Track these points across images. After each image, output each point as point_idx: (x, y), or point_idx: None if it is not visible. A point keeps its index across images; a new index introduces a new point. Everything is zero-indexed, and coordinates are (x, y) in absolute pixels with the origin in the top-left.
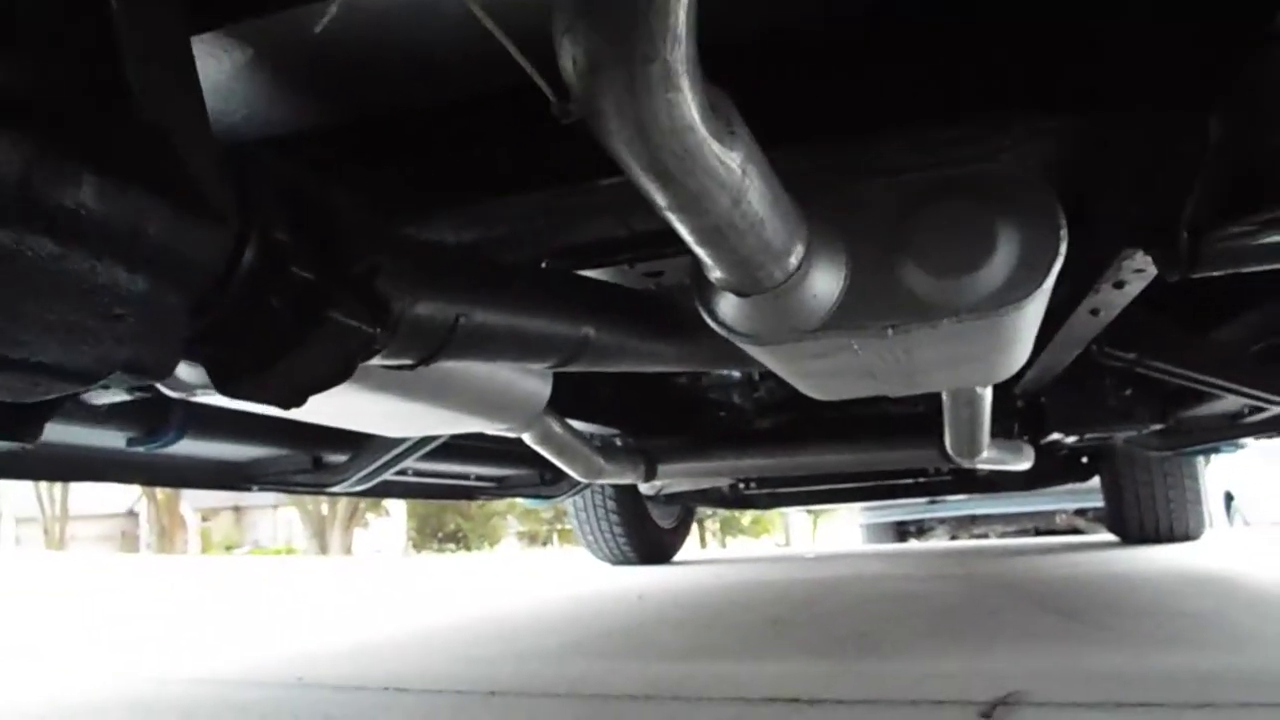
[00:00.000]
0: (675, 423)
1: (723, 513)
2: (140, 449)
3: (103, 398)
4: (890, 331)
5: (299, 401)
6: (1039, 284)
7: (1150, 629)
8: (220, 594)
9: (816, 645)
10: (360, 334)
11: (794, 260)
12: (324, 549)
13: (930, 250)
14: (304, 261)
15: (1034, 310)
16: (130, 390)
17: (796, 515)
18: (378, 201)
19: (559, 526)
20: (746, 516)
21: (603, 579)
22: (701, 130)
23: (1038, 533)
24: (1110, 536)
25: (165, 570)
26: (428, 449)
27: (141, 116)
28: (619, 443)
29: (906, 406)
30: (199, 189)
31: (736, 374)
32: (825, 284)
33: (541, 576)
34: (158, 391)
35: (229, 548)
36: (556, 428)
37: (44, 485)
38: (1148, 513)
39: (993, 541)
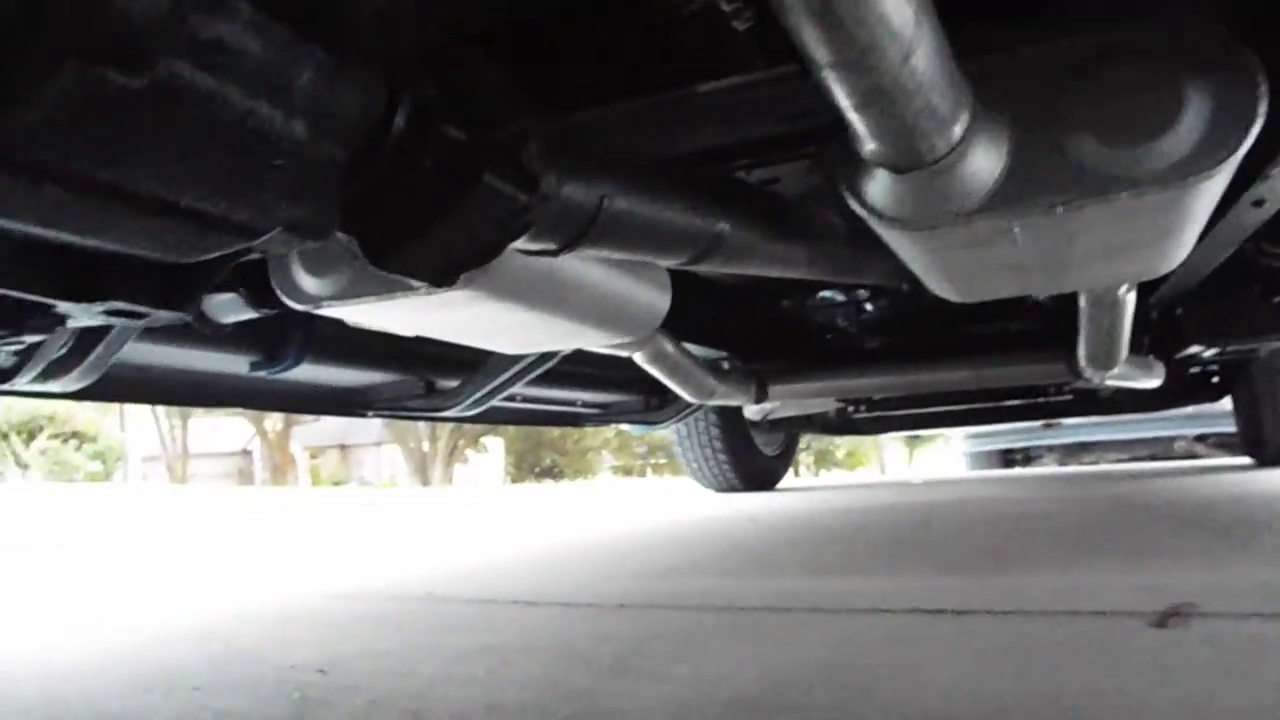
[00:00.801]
0: (782, 345)
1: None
2: (262, 374)
3: (228, 315)
4: (1060, 210)
5: (450, 278)
6: (1233, 150)
7: None
8: (341, 523)
9: (946, 562)
10: (513, 202)
11: (958, 130)
12: (426, 484)
13: (1106, 116)
14: (455, 122)
15: (1218, 185)
16: (256, 307)
17: (891, 447)
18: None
19: (653, 460)
20: (841, 450)
21: (709, 504)
22: None
23: (1153, 460)
24: (1239, 460)
25: (286, 503)
26: (537, 373)
27: None
28: (726, 365)
29: (1025, 321)
30: (355, 38)
31: (841, 296)
32: (986, 159)
33: (646, 503)
34: (281, 312)
35: (336, 483)
36: (669, 347)
37: (165, 425)
38: None
39: (1110, 467)
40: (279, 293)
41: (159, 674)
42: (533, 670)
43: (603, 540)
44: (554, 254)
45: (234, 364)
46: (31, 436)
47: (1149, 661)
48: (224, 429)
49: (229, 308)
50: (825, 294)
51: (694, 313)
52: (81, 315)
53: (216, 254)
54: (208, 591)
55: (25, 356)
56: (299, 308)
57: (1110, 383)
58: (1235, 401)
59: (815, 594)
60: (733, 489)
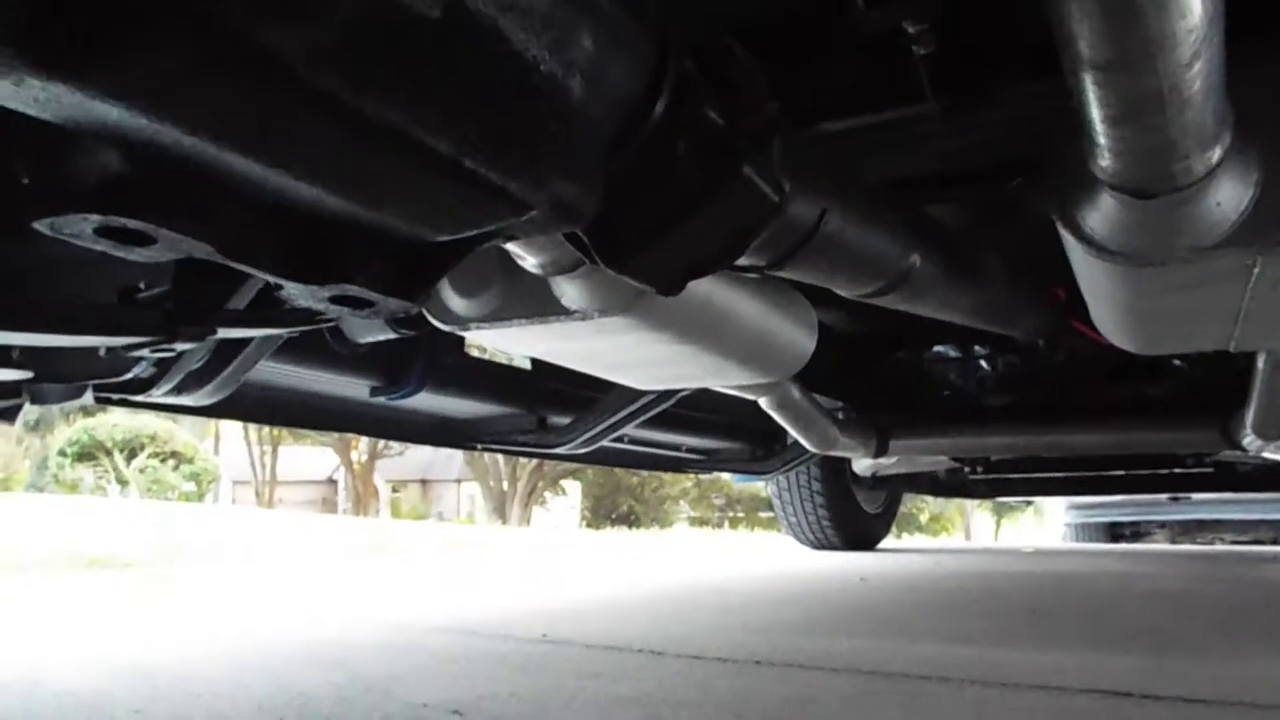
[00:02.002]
0: (897, 399)
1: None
2: (382, 399)
3: (366, 335)
4: None
5: (679, 285)
6: None
7: None
8: (434, 558)
9: (1100, 638)
10: (764, 201)
11: (1217, 153)
12: (504, 522)
13: None
14: (717, 108)
15: None
16: (396, 328)
17: (977, 514)
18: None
19: (731, 514)
20: (924, 514)
21: (809, 561)
22: None
23: (1275, 543)
24: None
25: (373, 533)
26: (652, 413)
27: None
28: (841, 415)
29: (1164, 385)
30: (633, 7)
31: (956, 352)
32: (1233, 190)
33: (739, 555)
34: (409, 337)
35: (416, 517)
36: (797, 393)
37: (256, 451)
38: None
39: (1232, 548)
40: (426, 312)
41: (288, 701)
42: None
43: (709, 590)
44: (760, 270)
45: (354, 388)
46: (133, 454)
47: None
48: (311, 458)
49: (368, 327)
50: (940, 349)
51: (815, 359)
52: (307, 298)
53: (476, 231)
54: (318, 618)
55: (163, 367)
56: (445, 328)
57: (1266, 455)
58: None
59: (968, 664)
60: (831, 547)
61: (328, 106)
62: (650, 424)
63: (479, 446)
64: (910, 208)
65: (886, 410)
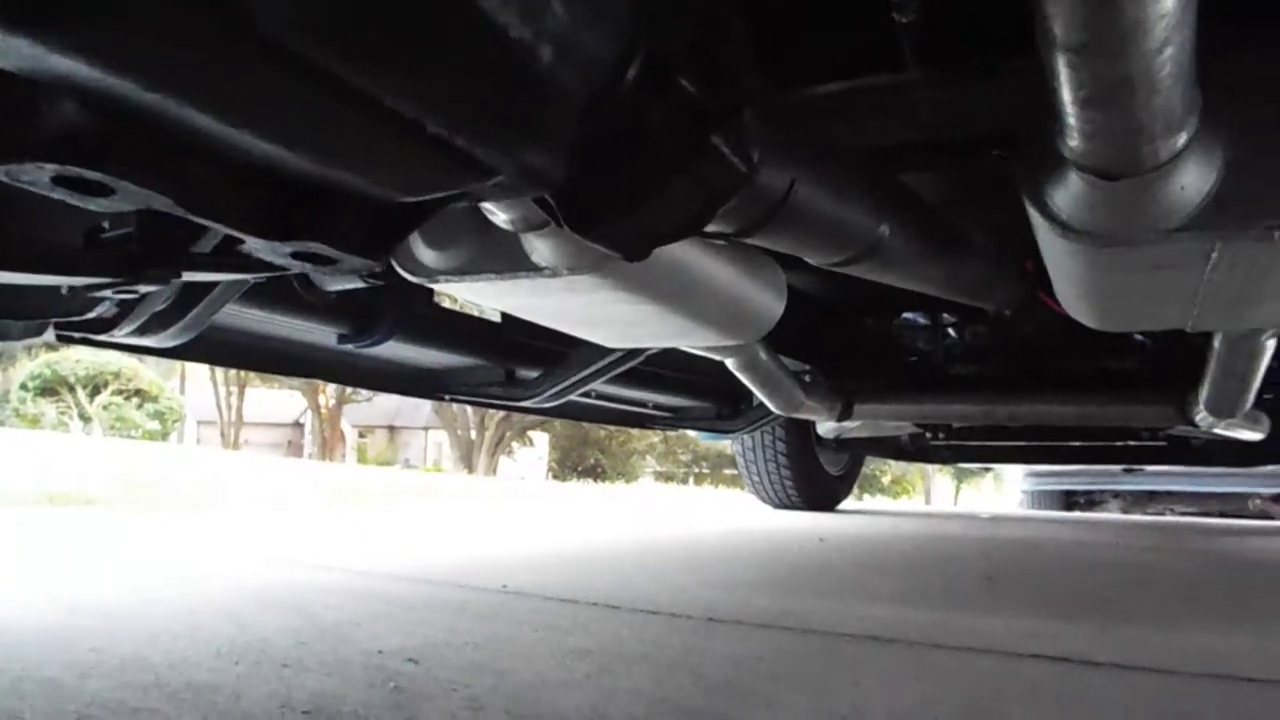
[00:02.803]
0: (864, 364)
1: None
2: (350, 347)
3: (336, 283)
4: (1277, 235)
5: (645, 252)
6: None
7: None
8: (399, 506)
9: (1052, 605)
10: (732, 171)
11: (1183, 138)
12: (470, 471)
13: None
14: (692, 79)
15: None
16: (365, 279)
17: (938, 478)
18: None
19: (697, 470)
20: (886, 475)
21: (771, 520)
22: None
23: (1222, 516)
24: None
25: (339, 478)
26: (619, 370)
27: None
28: (808, 379)
29: (1125, 361)
30: None
31: (924, 320)
32: (1197, 174)
33: (703, 511)
34: (379, 286)
35: (382, 463)
36: (763, 355)
37: (223, 391)
38: None
39: (1184, 520)
40: (395, 264)
41: (246, 645)
42: (636, 681)
43: (672, 546)
44: (728, 237)
45: (322, 335)
46: (96, 391)
47: None
48: (278, 401)
49: (337, 276)
50: (909, 316)
51: (783, 323)
52: (269, 254)
53: (441, 194)
54: (280, 562)
55: (126, 308)
56: (415, 280)
57: (1218, 431)
58: None
59: (920, 626)
60: (793, 506)
61: (289, 66)
62: (618, 380)
63: (447, 397)
64: (886, 178)
65: (853, 375)
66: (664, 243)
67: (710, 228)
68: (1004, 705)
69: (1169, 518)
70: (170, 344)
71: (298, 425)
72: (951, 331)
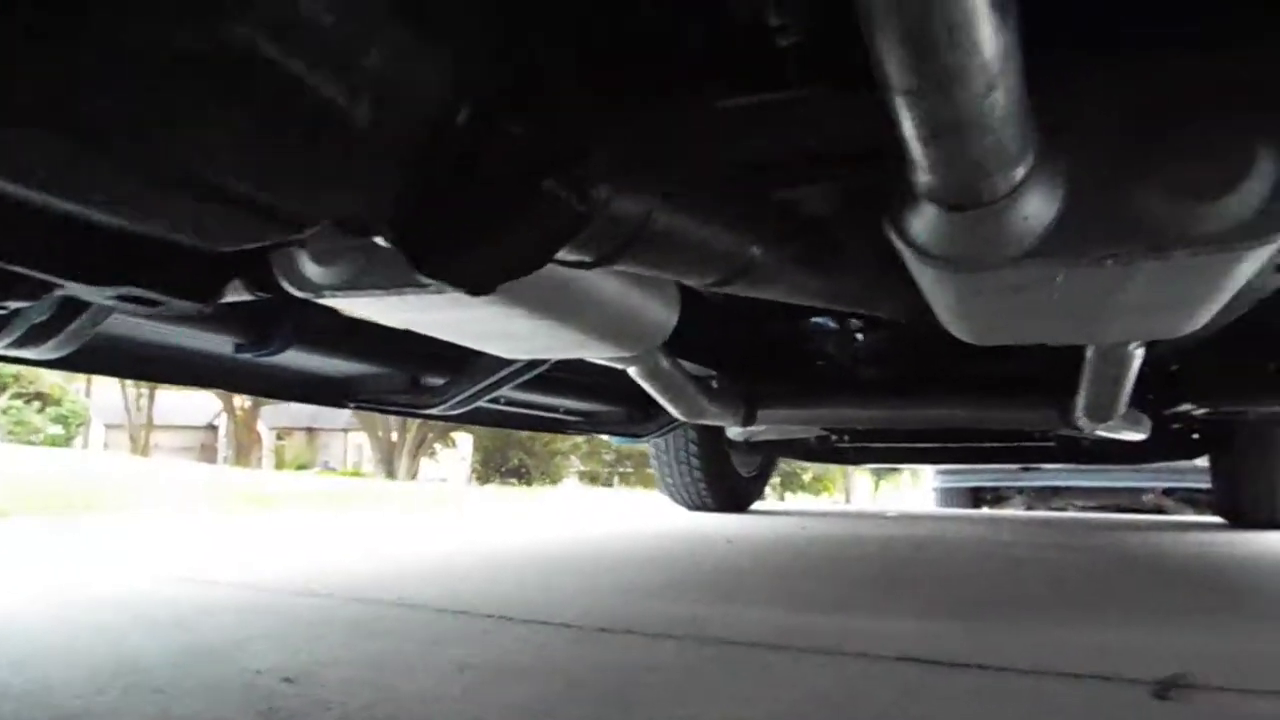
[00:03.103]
0: (771, 368)
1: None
2: (247, 356)
3: (224, 295)
4: (1110, 262)
5: (490, 287)
6: None
7: None
8: (311, 513)
9: (936, 605)
10: (569, 211)
11: (1021, 171)
12: (391, 474)
13: (1173, 167)
14: (522, 121)
15: (1269, 251)
16: (253, 290)
17: (858, 477)
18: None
19: (620, 470)
20: (808, 474)
21: (684, 522)
22: None
23: (1119, 510)
24: (1211, 519)
25: (253, 484)
26: (527, 377)
27: None
28: (714, 384)
29: (1018, 366)
30: (427, 18)
31: (833, 323)
32: (1041, 204)
33: (618, 514)
34: (276, 293)
35: (300, 467)
36: (665, 363)
37: (132, 394)
38: (1265, 496)
39: (1082, 515)
40: (280, 278)
41: (120, 667)
42: (514, 695)
43: (577, 552)
44: (589, 266)
45: (218, 344)
46: None
47: None
48: (191, 402)
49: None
50: (818, 320)
51: (687, 329)
52: (92, 297)
53: (256, 244)
54: (174, 577)
55: (3, 320)
56: (300, 295)
57: (1100, 433)
58: (1213, 462)
59: (810, 631)
60: (706, 508)
61: (93, 135)
62: (527, 386)
63: (351, 405)
64: (756, 197)
65: (760, 379)
66: (509, 278)
67: (569, 256)
68: (873, 706)
69: (1069, 514)
70: (52, 356)
71: (211, 428)
72: (860, 336)
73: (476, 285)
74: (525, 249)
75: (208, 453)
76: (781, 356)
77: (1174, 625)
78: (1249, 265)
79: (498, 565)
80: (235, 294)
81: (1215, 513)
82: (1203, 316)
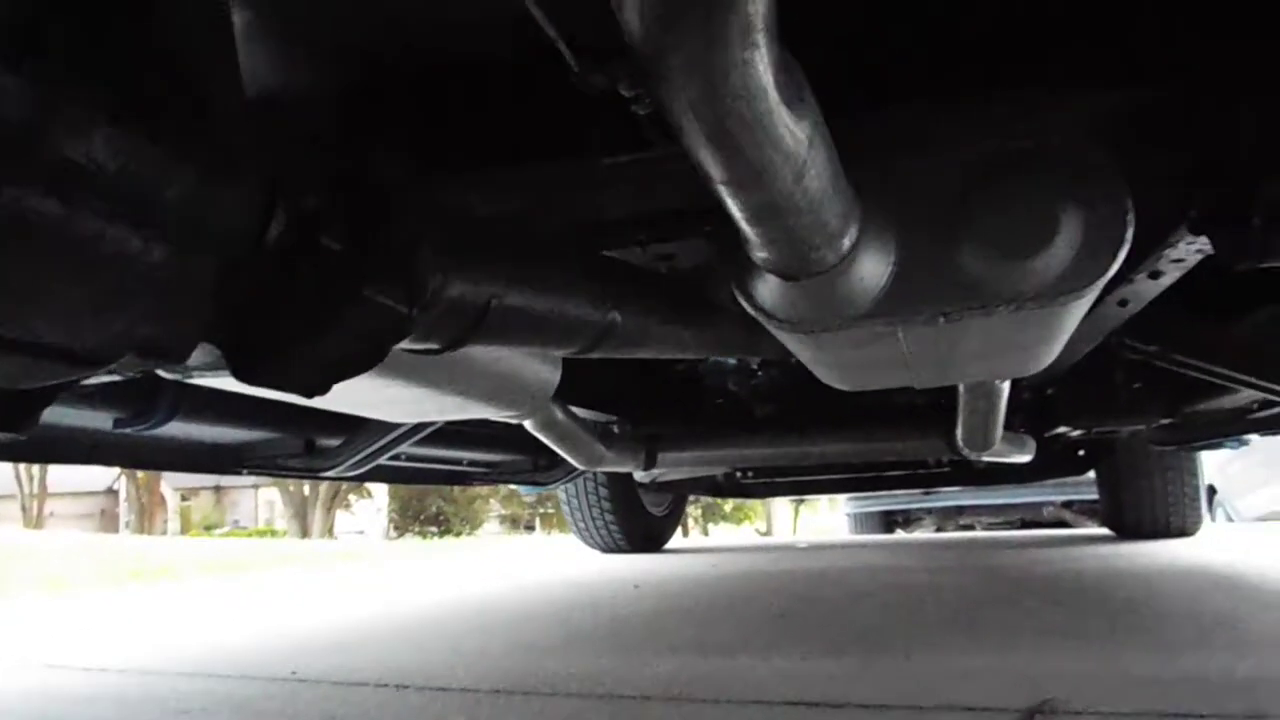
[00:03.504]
0: (673, 409)
1: (706, 500)
2: (127, 430)
3: (92, 378)
4: (942, 320)
5: (323, 390)
6: (1103, 272)
7: (1172, 627)
8: (208, 582)
9: (829, 641)
10: (393, 314)
11: (847, 242)
12: (305, 530)
13: (988, 232)
14: (336, 232)
15: (1089, 299)
16: (120, 371)
17: (779, 504)
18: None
19: (542, 511)
20: (729, 504)
21: (595, 566)
22: (773, 95)
23: (1023, 524)
24: (1100, 530)
25: (154, 552)
26: (423, 434)
27: (165, 63)
28: (616, 429)
29: (910, 397)
30: (226, 147)
31: (733, 361)
32: (874, 267)
33: (533, 563)
34: (149, 371)
35: (209, 527)
36: (559, 414)
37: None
38: (1145, 508)
39: (986, 534)
40: None
41: None
42: None
43: (481, 606)
44: (437, 353)
45: (95, 419)
46: None
47: None
48: (88, 467)
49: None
50: (717, 359)
51: (584, 376)
52: None
53: (57, 382)
54: (48, 664)
55: None
56: (169, 376)
57: (986, 458)
58: (1099, 477)
59: (699, 678)
60: (620, 550)
61: None
62: (428, 441)
63: (244, 471)
64: (613, 262)
65: (660, 421)
66: (339, 379)
67: (414, 345)
68: None
69: (972, 533)
70: None
71: (111, 493)
72: (760, 372)
73: (306, 390)
74: (351, 353)
75: (109, 519)
76: (682, 397)
77: (1051, 648)
78: (1074, 312)
79: (399, 628)
80: (102, 376)
81: (1103, 525)
82: (1045, 358)
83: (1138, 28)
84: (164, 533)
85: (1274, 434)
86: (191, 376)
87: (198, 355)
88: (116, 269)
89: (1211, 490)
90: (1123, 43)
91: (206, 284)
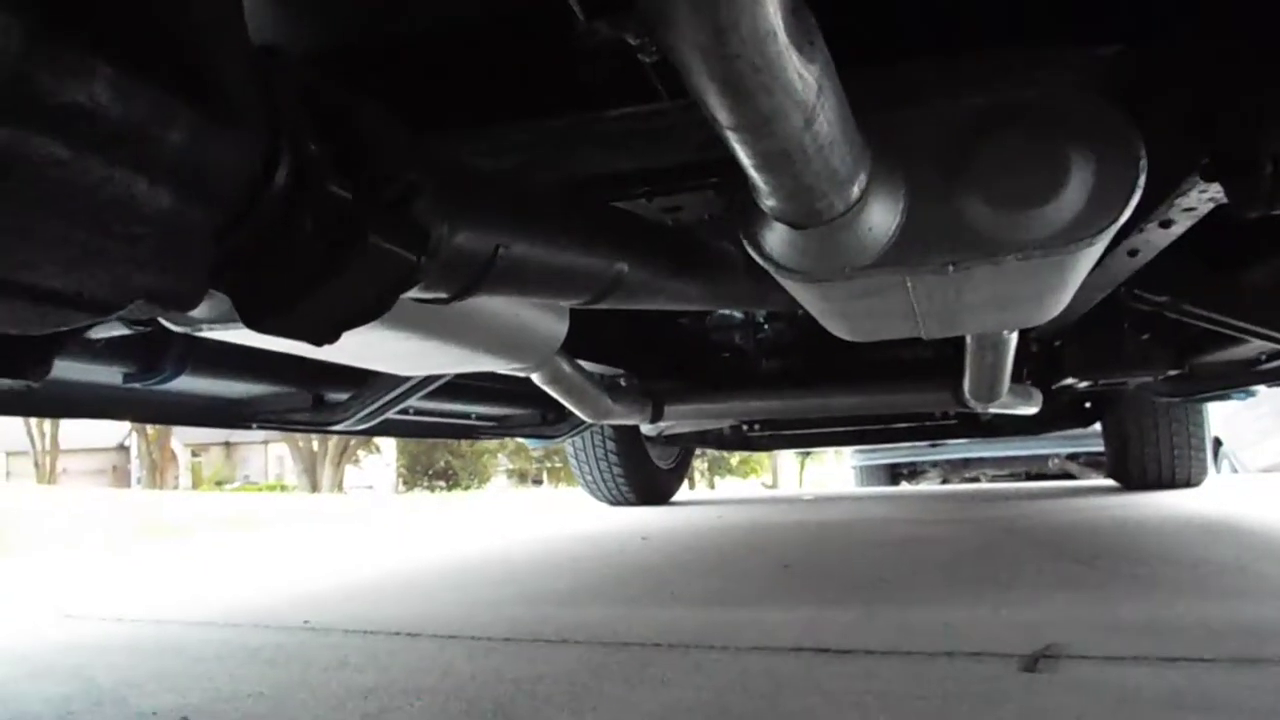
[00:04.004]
0: (680, 364)
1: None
2: (137, 385)
3: (101, 331)
4: (951, 269)
5: (332, 338)
6: (1114, 220)
7: (1174, 576)
8: (222, 537)
9: (834, 591)
10: (401, 262)
11: (856, 190)
12: (315, 485)
13: (997, 181)
14: (338, 179)
15: (1099, 249)
16: (129, 324)
17: (785, 457)
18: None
19: (549, 465)
20: (735, 458)
21: (603, 519)
22: (783, 38)
23: (1029, 477)
24: (1106, 482)
25: (168, 509)
26: (431, 388)
27: (167, 5)
28: (623, 383)
29: (916, 350)
30: (229, 92)
31: (739, 315)
32: (882, 217)
33: (541, 516)
34: (158, 325)
35: (219, 483)
36: (567, 368)
37: (34, 419)
38: (1151, 459)
39: (992, 485)
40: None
41: None
42: (412, 718)
43: (494, 558)
44: (445, 302)
45: (106, 374)
46: None
47: (1016, 711)
48: (99, 423)
49: (106, 323)
50: (724, 313)
51: (592, 330)
52: None
53: (65, 328)
54: (70, 615)
55: None
56: (177, 329)
57: (993, 409)
58: (1105, 429)
59: (707, 628)
60: (627, 503)
61: None
62: (436, 395)
63: (254, 425)
64: (620, 214)
65: (666, 376)
66: (349, 328)
67: (422, 295)
68: (750, 703)
69: (978, 484)
70: None
71: (123, 449)
72: (766, 327)
73: (315, 337)
74: (359, 301)
75: (120, 475)
76: (689, 351)
77: (1053, 597)
78: (1084, 261)
79: (410, 580)
80: (111, 328)
81: (1109, 476)
82: (1054, 308)
83: None
84: (175, 488)
85: None
86: (200, 330)
87: (206, 307)
88: (122, 213)
89: (1218, 442)
90: None
91: (213, 230)
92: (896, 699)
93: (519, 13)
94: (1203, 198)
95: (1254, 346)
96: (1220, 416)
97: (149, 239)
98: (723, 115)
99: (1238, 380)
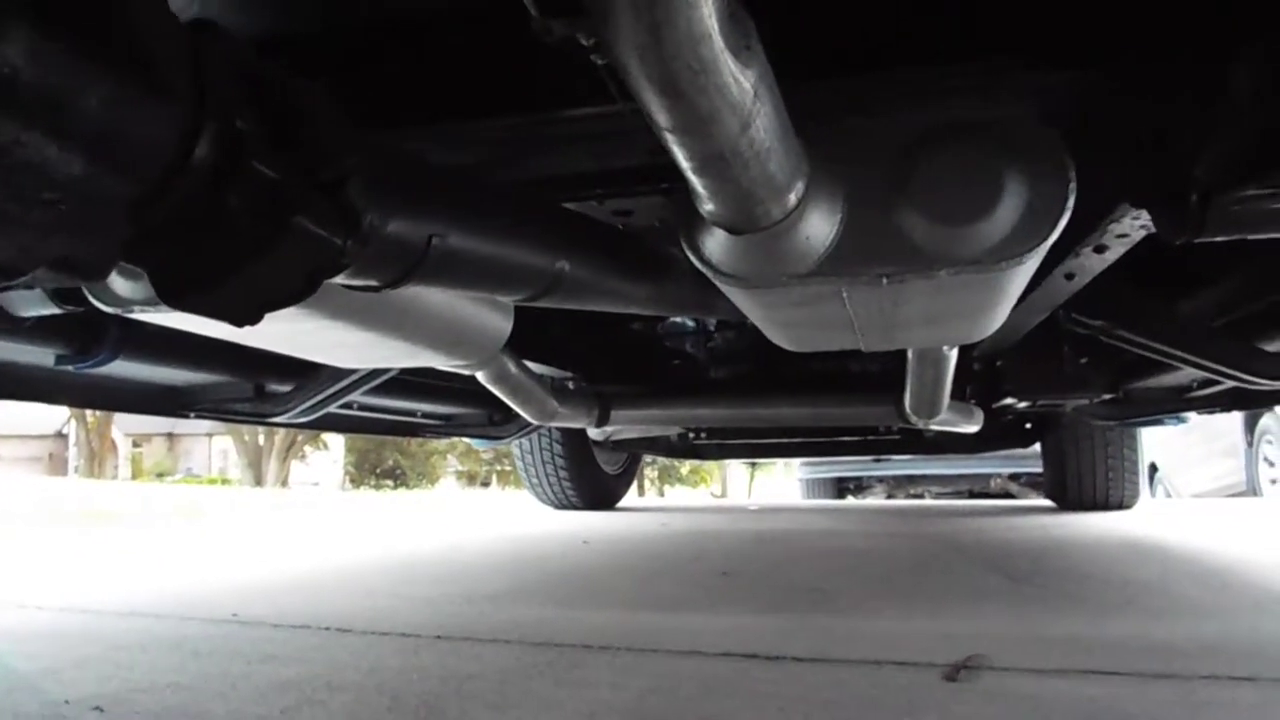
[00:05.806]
0: (629, 368)
1: (663, 461)
2: (69, 368)
3: (28, 309)
4: (885, 281)
5: (254, 319)
6: (1044, 239)
7: (1099, 594)
8: (157, 528)
9: (769, 599)
10: (327, 245)
11: (793, 198)
12: (259, 480)
13: (932, 196)
14: (267, 157)
15: (1031, 267)
16: (60, 304)
17: (734, 468)
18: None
19: (498, 467)
20: (685, 466)
21: (547, 522)
22: (719, 41)
23: (971, 495)
24: (1044, 501)
25: (104, 497)
26: (376, 383)
27: None
28: (571, 386)
29: (863, 364)
30: (151, 60)
31: (691, 323)
32: (820, 226)
33: (486, 517)
34: (91, 307)
35: (160, 475)
36: (512, 367)
37: None
38: (1086, 481)
39: (933, 502)
40: (88, 294)
41: None
42: (332, 712)
43: (436, 557)
44: (376, 290)
45: (37, 355)
46: None
47: (934, 718)
48: (37, 409)
49: (30, 302)
50: (676, 320)
51: (540, 330)
52: None
53: None
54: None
55: None
56: (109, 310)
57: (935, 426)
58: (1043, 449)
59: (639, 631)
60: (572, 507)
61: None
62: (381, 390)
63: (191, 414)
64: (564, 212)
65: (616, 379)
66: (271, 310)
67: (352, 281)
68: (673, 705)
69: (920, 501)
70: None
71: (60, 436)
72: (717, 336)
73: (235, 317)
74: (283, 282)
75: (57, 463)
76: (640, 357)
77: (983, 611)
78: (1016, 280)
79: (344, 577)
80: (41, 307)
81: (1046, 496)
82: (989, 325)
83: (1081, 10)
84: (114, 478)
85: (1212, 412)
86: (132, 311)
87: (138, 287)
88: (31, 178)
89: (1153, 467)
90: (1067, 24)
91: (128, 200)
92: (819, 704)
93: (476, 8)
94: (1135, 224)
95: (1186, 374)
96: (1156, 442)
97: (58, 205)
98: (661, 116)
99: (1170, 406)
